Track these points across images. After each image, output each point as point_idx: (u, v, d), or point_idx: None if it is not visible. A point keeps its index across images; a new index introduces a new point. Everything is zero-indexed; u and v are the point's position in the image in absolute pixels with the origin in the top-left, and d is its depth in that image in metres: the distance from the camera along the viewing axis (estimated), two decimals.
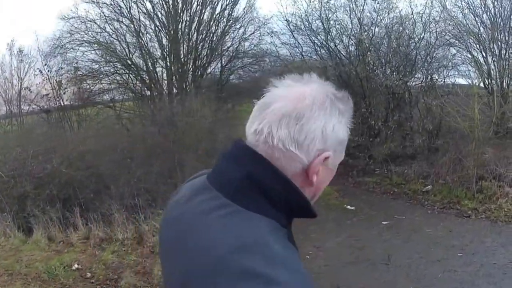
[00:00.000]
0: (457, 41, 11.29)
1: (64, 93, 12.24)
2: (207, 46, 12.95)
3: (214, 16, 12.78)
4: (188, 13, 12.62)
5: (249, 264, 0.79)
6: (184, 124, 9.50)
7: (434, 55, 11.52)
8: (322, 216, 8.68)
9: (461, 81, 11.30)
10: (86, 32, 12.03)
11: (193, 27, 12.64)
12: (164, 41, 12.67)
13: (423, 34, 11.53)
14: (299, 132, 0.89)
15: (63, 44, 11.88)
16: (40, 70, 11.97)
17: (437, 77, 11.62)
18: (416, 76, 11.85)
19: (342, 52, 12.53)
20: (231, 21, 12.98)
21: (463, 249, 6.25)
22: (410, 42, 11.53)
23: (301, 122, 0.89)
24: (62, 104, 12.12)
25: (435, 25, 11.24)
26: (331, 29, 12.29)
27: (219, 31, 12.93)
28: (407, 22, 11.54)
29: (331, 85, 0.98)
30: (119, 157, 8.89)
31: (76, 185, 8.05)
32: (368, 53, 11.95)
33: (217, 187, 0.94)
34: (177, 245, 0.95)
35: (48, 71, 11.98)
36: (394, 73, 11.83)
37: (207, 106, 10.21)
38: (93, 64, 12.36)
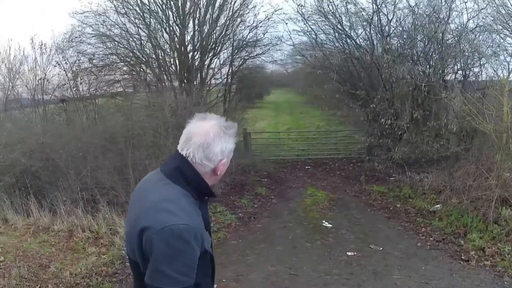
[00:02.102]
0: (499, 26, 8.04)
1: (80, 84, 11.38)
2: (214, 35, 10.93)
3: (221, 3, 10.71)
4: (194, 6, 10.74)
5: (167, 206, 1.44)
6: (145, 119, 7.71)
7: (471, 42, 8.33)
8: (281, 232, 6.38)
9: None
10: (97, 25, 10.81)
11: (197, 18, 10.72)
12: (173, 33, 10.93)
13: (458, 18, 8.47)
14: (209, 154, 1.53)
15: (73, 38, 10.87)
16: (58, 62, 11.20)
17: (472, 69, 8.47)
18: (447, 66, 8.74)
19: (358, 38, 9.78)
20: (240, 7, 10.82)
21: None
22: (439, 25, 8.46)
23: (209, 148, 1.52)
24: (78, 94, 11.24)
25: (466, 4, 8.10)
26: (344, 11, 9.59)
27: (226, 19, 10.84)
28: (436, 2, 8.50)
29: (223, 120, 1.58)
30: (76, 150, 7.68)
31: (33, 175, 7.45)
32: (388, 38, 9.13)
33: (163, 172, 1.58)
34: (138, 200, 1.59)
35: (65, 63, 11.11)
36: (420, 63, 8.90)
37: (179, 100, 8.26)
38: (105, 56, 11.15)
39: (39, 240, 5.90)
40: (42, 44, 11.58)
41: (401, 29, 9.00)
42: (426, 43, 8.59)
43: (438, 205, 6.63)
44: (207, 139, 1.51)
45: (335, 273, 4.73)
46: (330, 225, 6.58)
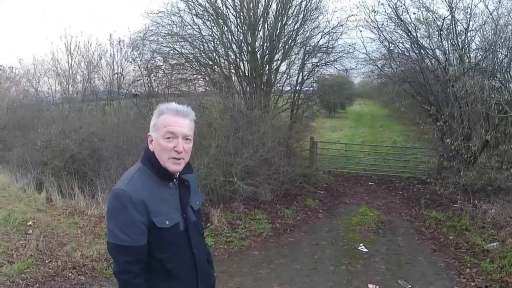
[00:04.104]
0: None
1: (153, 81, 11.95)
2: (283, 39, 10.64)
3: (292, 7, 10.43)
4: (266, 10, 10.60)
5: (122, 177, 1.68)
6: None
7: None
8: (309, 249, 5.97)
9: None
10: (170, 25, 11.21)
11: (267, 21, 10.57)
12: (243, 36, 10.93)
13: None
14: None
15: (147, 36, 11.35)
16: (133, 59, 11.87)
17: None
18: None
19: (432, 48, 8.76)
20: (312, 12, 10.43)
21: None
22: None
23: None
24: (152, 91, 11.81)
25: None
26: (420, 20, 8.66)
27: (297, 22, 10.50)
28: None
29: (180, 105, 1.75)
30: (122, 143, 7.98)
31: (80, 162, 8.20)
32: (464, 49, 8.05)
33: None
34: None
35: (140, 60, 11.71)
36: (499, 78, 7.69)
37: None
38: (178, 55, 11.53)
39: (70, 221, 6.31)
40: (120, 41, 12.40)
41: (479, 39, 7.86)
42: (507, 55, 7.36)
43: (495, 243, 5.61)
44: None
45: None
46: (365, 250, 5.96)
